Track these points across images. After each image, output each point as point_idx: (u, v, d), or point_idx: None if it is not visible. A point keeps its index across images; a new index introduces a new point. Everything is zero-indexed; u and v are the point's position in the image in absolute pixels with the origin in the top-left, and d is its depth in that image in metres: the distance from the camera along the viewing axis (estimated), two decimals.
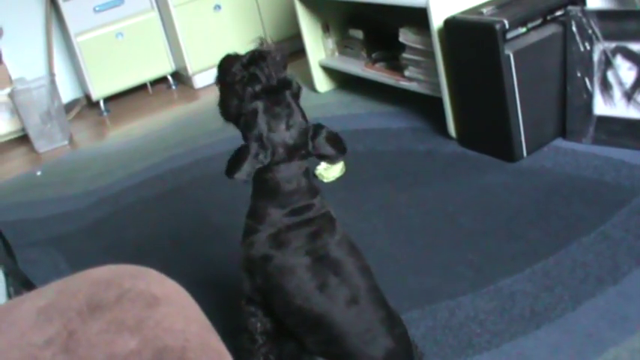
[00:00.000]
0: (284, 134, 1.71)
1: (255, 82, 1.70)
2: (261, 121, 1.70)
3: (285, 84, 1.72)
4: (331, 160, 1.78)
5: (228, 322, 1.96)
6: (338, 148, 1.76)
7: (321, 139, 1.75)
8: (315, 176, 3.15)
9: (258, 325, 1.86)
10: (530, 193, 2.67)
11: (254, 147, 1.70)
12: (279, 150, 1.71)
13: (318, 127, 1.76)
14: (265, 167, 1.73)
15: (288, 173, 1.74)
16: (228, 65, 1.75)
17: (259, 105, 1.71)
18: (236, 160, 1.70)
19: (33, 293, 1.36)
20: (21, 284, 2.38)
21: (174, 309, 1.24)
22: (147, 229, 3.10)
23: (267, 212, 1.77)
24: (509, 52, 2.75)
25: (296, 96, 1.75)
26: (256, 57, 1.71)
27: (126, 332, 1.16)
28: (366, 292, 1.76)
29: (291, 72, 1.76)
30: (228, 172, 1.71)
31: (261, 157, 1.70)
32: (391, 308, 1.82)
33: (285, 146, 1.71)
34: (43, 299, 1.29)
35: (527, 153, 2.90)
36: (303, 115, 1.75)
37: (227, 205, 3.08)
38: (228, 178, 1.71)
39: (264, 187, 1.77)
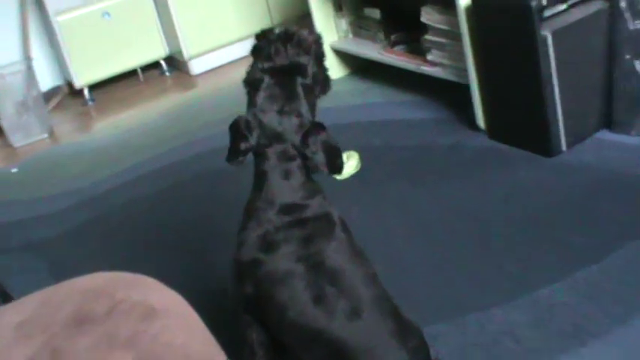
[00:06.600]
0: (274, 118, 1.79)
1: (266, 58, 1.81)
2: (259, 99, 1.80)
3: (297, 68, 1.81)
4: (315, 169, 1.81)
5: (234, 336, 1.95)
6: (331, 161, 1.79)
7: (317, 140, 1.78)
8: None
9: (255, 335, 1.87)
10: (570, 192, 2.66)
11: (242, 124, 1.79)
12: (267, 134, 1.79)
13: (317, 126, 1.80)
14: (256, 153, 1.81)
15: (276, 162, 1.80)
16: (257, 38, 1.88)
17: (265, 79, 1.80)
18: (231, 139, 1.82)
19: (10, 306, 1.36)
20: None
21: (173, 321, 1.24)
22: (140, 233, 3.11)
23: (256, 207, 1.83)
24: (546, 32, 2.73)
25: (308, 87, 1.83)
26: (282, 35, 1.83)
27: (118, 348, 1.16)
28: (370, 302, 1.77)
29: (321, 66, 1.88)
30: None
31: (248, 137, 1.79)
32: (405, 318, 1.82)
33: (272, 132, 1.79)
34: (21, 313, 1.29)
35: (567, 147, 2.89)
36: (309, 110, 1.82)
37: (231, 204, 3.03)
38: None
39: (255, 176, 1.85)
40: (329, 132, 1.81)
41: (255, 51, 1.87)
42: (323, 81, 1.90)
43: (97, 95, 4.98)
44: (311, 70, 1.84)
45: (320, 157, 1.79)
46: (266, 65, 1.82)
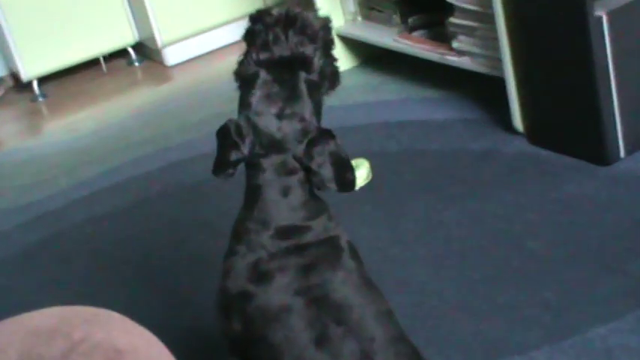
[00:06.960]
0: (272, 122, 1.78)
1: (262, 47, 1.79)
2: (253, 98, 1.79)
3: (301, 61, 1.79)
4: (322, 186, 1.80)
5: None
6: (341, 176, 1.80)
7: (323, 151, 1.79)
8: None
9: None
10: (630, 209, 2.67)
11: (232, 130, 1.79)
12: (263, 142, 1.79)
13: (325, 134, 1.80)
14: (249, 164, 1.81)
15: (273, 176, 1.80)
16: (252, 21, 1.86)
17: (261, 74, 1.79)
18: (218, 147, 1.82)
19: None
20: None
21: None
22: (102, 258, 3.11)
23: (246, 228, 1.82)
24: (600, 12, 2.74)
25: (314, 84, 1.82)
26: (283, 19, 1.81)
27: None
28: (384, 345, 1.77)
29: (329, 56, 1.87)
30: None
31: (240, 145, 1.79)
32: None
33: (269, 139, 1.79)
34: None
35: (627, 153, 2.90)
36: (314, 112, 1.82)
37: (213, 225, 3.08)
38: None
39: (246, 191, 1.85)
40: (338, 141, 1.81)
41: (249, 37, 1.84)
42: (331, 75, 1.89)
43: (50, 90, 4.98)
44: (318, 63, 1.82)
45: (327, 172, 1.79)
46: (262, 56, 1.80)
